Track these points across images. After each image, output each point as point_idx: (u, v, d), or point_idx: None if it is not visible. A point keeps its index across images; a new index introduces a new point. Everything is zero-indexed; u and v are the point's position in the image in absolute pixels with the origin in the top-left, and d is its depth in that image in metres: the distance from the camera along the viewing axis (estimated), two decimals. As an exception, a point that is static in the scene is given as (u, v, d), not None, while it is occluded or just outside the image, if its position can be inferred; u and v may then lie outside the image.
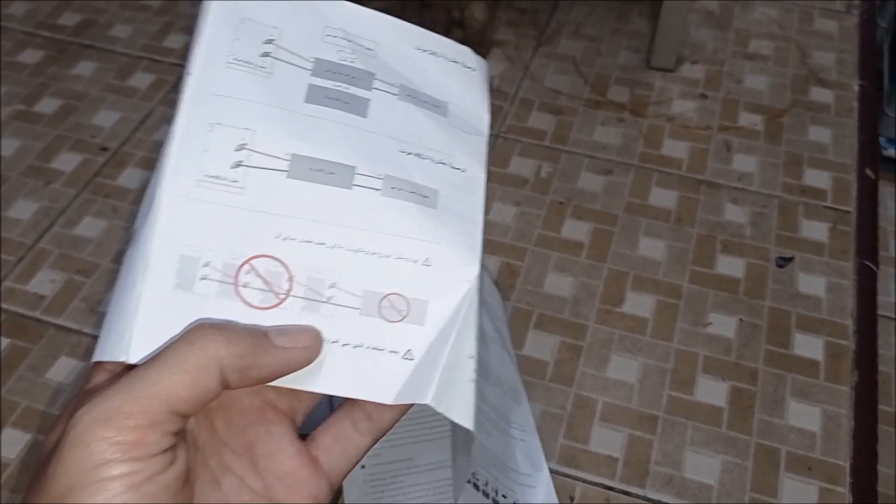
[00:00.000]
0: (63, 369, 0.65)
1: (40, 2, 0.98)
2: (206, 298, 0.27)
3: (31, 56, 0.92)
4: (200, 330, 0.25)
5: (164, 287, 0.27)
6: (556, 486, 0.59)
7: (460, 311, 0.28)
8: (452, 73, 0.33)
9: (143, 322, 0.26)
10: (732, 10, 0.98)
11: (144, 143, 0.82)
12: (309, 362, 0.27)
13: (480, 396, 0.43)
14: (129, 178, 0.79)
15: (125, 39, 0.94)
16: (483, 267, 0.29)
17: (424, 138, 0.31)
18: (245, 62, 0.30)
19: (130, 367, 0.25)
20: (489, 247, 0.74)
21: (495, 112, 0.86)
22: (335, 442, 0.28)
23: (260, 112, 0.29)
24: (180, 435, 0.25)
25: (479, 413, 0.42)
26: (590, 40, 0.95)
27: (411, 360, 0.28)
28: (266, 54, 0.30)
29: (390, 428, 0.28)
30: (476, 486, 0.39)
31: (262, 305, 0.27)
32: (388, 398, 0.27)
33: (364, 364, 0.28)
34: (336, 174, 0.29)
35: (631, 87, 0.89)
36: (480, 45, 0.90)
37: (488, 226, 0.75)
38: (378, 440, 0.29)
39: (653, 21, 0.93)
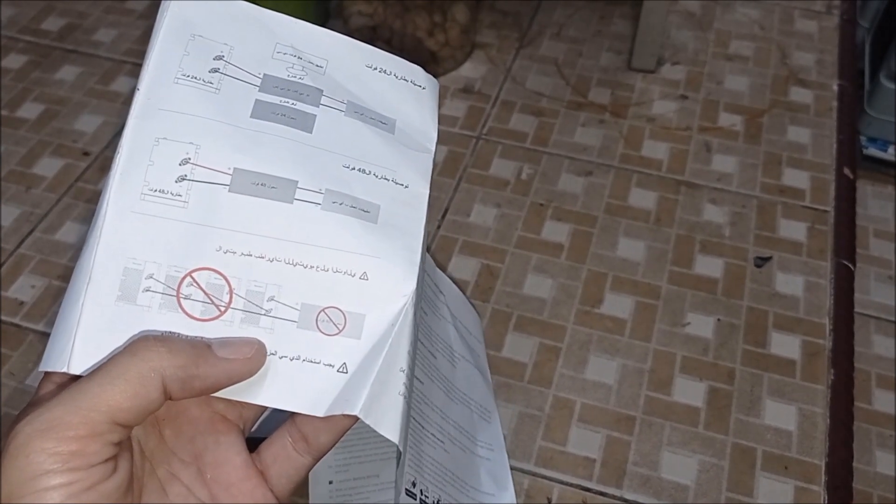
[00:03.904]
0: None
1: (24, 7, 0.99)
2: (148, 310, 0.27)
3: (14, 61, 0.92)
4: (143, 342, 0.25)
5: (107, 299, 0.27)
6: (533, 488, 0.59)
7: (395, 324, 0.29)
8: (402, 90, 0.34)
9: (84, 333, 0.26)
10: (713, 11, 0.99)
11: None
12: (251, 374, 0.27)
13: (442, 414, 0.43)
14: (110, 183, 0.80)
15: (108, 44, 0.94)
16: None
17: (369, 154, 0.31)
18: (193, 78, 0.30)
19: (76, 379, 0.26)
20: (469, 249, 0.74)
21: (477, 114, 0.86)
22: (275, 460, 0.29)
23: (205, 127, 0.29)
24: (123, 444, 0.25)
25: (438, 430, 0.42)
26: (572, 42, 0.95)
27: (345, 373, 0.28)
28: (215, 70, 0.31)
29: (328, 449, 0.29)
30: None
31: (203, 317, 0.28)
32: (319, 411, 0.28)
33: (300, 377, 0.28)
34: (277, 188, 0.29)
35: (612, 88, 0.89)
36: (462, 48, 0.90)
37: (469, 228, 0.76)
38: (318, 460, 0.29)
39: (634, 23, 0.94)
